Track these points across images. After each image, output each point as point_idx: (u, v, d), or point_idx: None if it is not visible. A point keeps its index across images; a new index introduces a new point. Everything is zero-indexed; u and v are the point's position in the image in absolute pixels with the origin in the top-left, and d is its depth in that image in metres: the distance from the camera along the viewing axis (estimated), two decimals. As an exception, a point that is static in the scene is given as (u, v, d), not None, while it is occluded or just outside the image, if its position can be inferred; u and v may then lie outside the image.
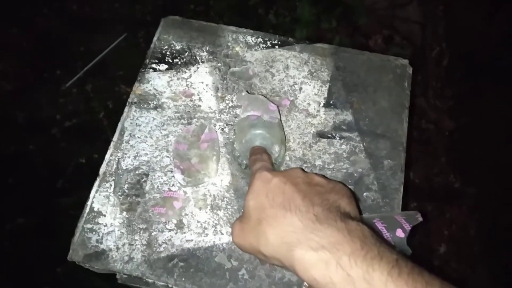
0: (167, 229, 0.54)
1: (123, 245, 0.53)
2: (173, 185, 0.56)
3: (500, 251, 1.34)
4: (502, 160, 1.44)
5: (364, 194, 0.57)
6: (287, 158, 0.58)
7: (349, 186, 0.57)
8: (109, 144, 0.59)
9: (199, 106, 0.62)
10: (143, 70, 0.64)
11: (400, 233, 0.50)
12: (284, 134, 0.57)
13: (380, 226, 0.51)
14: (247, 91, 0.60)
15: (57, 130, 1.45)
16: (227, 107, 0.62)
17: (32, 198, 1.35)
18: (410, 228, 0.50)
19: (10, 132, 1.44)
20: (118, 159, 0.58)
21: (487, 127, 1.50)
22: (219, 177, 0.57)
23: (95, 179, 0.57)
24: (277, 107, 0.58)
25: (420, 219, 0.50)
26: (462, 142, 1.51)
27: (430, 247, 1.36)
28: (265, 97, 0.59)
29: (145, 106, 0.61)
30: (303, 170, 0.46)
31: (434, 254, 1.36)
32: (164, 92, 0.62)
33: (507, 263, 1.31)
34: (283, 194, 0.40)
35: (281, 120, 0.58)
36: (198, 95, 0.62)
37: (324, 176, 0.46)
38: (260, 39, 0.67)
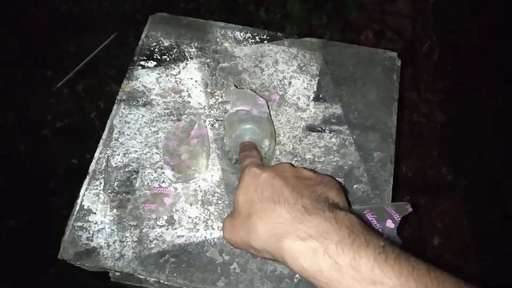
0: (158, 225, 0.54)
1: (114, 242, 0.53)
2: (163, 181, 0.56)
3: (491, 242, 1.35)
4: (492, 151, 1.45)
5: (354, 186, 0.57)
6: (277, 152, 0.58)
7: (339, 179, 0.57)
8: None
9: (189, 102, 0.61)
10: (131, 67, 0.63)
11: (390, 224, 0.51)
12: (274, 128, 0.57)
13: (370, 217, 0.51)
14: (235, 86, 0.60)
15: (48, 131, 1.44)
16: (217, 102, 0.62)
17: (24, 198, 1.33)
18: (400, 219, 0.50)
19: (0, 133, 1.43)
20: (108, 156, 0.57)
21: (478, 119, 1.52)
22: (209, 172, 0.57)
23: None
24: (266, 101, 0.58)
25: (410, 209, 0.51)
26: (453, 135, 1.52)
27: (424, 239, 1.37)
28: (254, 91, 0.59)
29: (134, 103, 0.61)
30: (292, 164, 0.46)
31: (427, 247, 1.36)
32: (153, 89, 0.62)
33: (498, 253, 1.32)
34: (272, 188, 0.40)
35: (270, 114, 0.58)
36: (187, 91, 0.62)
37: (313, 170, 0.46)
38: (248, 34, 0.66)
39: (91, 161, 0.58)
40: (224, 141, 0.56)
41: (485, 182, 1.43)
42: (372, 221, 0.51)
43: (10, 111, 1.46)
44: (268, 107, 0.58)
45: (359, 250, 0.32)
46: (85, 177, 0.57)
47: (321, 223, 0.35)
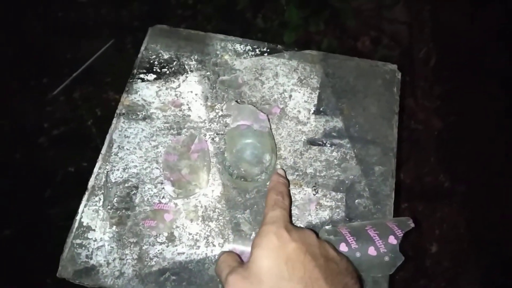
0: (158, 242, 0.53)
1: (114, 260, 0.52)
2: (163, 197, 0.56)
3: (489, 248, 1.35)
4: (490, 157, 1.46)
5: (356, 201, 0.57)
6: (278, 166, 0.58)
7: (341, 194, 0.57)
8: (98, 152, 0.58)
9: (189, 116, 0.61)
10: (131, 80, 0.63)
11: (392, 240, 0.50)
12: (275, 142, 0.57)
13: (372, 233, 0.51)
14: (236, 101, 0.60)
15: (44, 139, 1.43)
16: (217, 116, 0.61)
17: (19, 208, 1.32)
18: (402, 235, 0.50)
19: (-4, 141, 1.42)
20: (107, 172, 0.57)
21: (475, 125, 1.52)
22: (210, 187, 0.57)
23: (84, 188, 0.56)
24: (267, 116, 0.57)
25: (412, 225, 0.51)
26: (450, 141, 1.52)
27: (422, 247, 1.37)
28: (255, 106, 0.59)
29: (134, 117, 0.60)
30: (316, 234, 0.44)
31: (426, 254, 1.36)
32: (153, 102, 0.62)
33: (496, 259, 1.33)
34: (303, 268, 0.38)
35: (271, 129, 0.58)
36: (187, 104, 0.62)
37: (334, 248, 0.45)
38: (249, 47, 0.66)
39: (88, 169, 0.57)
40: (225, 155, 0.56)
41: (483, 188, 1.44)
42: (374, 237, 0.51)
43: (6, 119, 1.45)
44: (269, 122, 0.57)
45: None
46: (82, 186, 0.56)
47: None
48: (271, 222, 0.43)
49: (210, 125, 0.61)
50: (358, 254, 0.51)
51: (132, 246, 0.53)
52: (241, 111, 0.57)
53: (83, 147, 1.38)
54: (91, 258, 0.52)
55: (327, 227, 0.54)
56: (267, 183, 0.57)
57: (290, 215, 0.47)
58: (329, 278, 0.38)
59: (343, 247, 0.51)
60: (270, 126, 0.58)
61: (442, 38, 1.68)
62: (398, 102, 0.63)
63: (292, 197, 0.56)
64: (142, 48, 0.66)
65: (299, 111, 0.62)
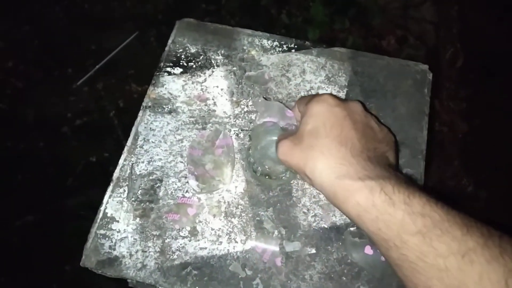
0: (181, 236, 0.53)
1: (136, 252, 0.52)
2: (187, 191, 0.56)
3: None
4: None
5: (382, 203, 0.55)
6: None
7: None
8: (119, 143, 0.59)
9: (214, 110, 0.61)
10: (157, 73, 0.63)
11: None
12: None
13: None
14: (264, 97, 0.59)
15: (67, 128, 1.45)
16: (242, 112, 0.61)
17: (41, 195, 1.35)
18: None
19: (20, 130, 1.44)
20: (132, 164, 0.57)
21: (501, 129, 1.48)
22: (233, 183, 0.56)
23: (105, 178, 0.56)
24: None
25: None
26: (475, 145, 1.49)
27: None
28: (282, 103, 0.58)
29: (160, 110, 0.60)
30: (363, 105, 0.46)
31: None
32: (179, 96, 0.61)
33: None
34: (341, 128, 0.41)
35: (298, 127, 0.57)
36: (213, 99, 0.61)
37: (378, 120, 0.47)
38: (276, 43, 0.65)
39: (109, 160, 0.58)
40: (250, 152, 0.55)
41: (506, 194, 1.40)
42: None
43: (30, 108, 1.48)
44: (296, 120, 0.57)
45: (413, 192, 0.35)
46: (103, 176, 0.57)
47: (381, 171, 0.38)
48: (311, 99, 0.45)
49: (235, 121, 0.60)
50: (383, 258, 0.50)
51: (155, 238, 0.53)
52: (268, 107, 0.56)
53: (105, 137, 1.39)
54: (114, 249, 0.52)
55: (352, 228, 0.53)
56: (291, 181, 0.56)
57: None
58: (363, 140, 0.41)
59: (368, 250, 0.50)
60: (298, 125, 0.57)
61: (469, 39, 1.63)
62: (428, 104, 0.61)
63: (317, 197, 0.55)
64: (170, 41, 0.65)
65: (326, 110, 0.61)
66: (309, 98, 0.46)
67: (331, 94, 0.45)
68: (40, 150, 1.42)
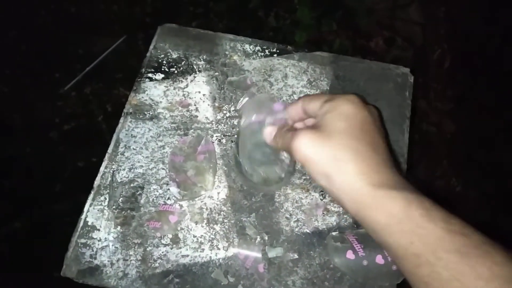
0: (163, 244, 0.53)
1: (118, 260, 0.52)
2: (168, 198, 0.55)
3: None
4: (503, 162, 1.43)
5: (364, 207, 0.55)
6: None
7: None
8: (107, 148, 0.58)
9: (196, 116, 0.60)
10: (138, 79, 0.62)
11: (379, 260, 0.49)
12: None
13: (355, 243, 0.50)
14: (247, 97, 0.57)
15: (55, 134, 1.44)
16: (225, 117, 0.60)
17: (29, 202, 1.33)
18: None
19: (7, 135, 1.43)
20: (113, 171, 0.56)
21: (489, 129, 1.49)
22: (216, 190, 0.56)
23: (92, 185, 0.56)
24: (284, 105, 0.51)
25: None
26: (463, 145, 1.50)
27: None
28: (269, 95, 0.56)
29: (141, 116, 0.60)
30: (378, 110, 0.45)
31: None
32: (160, 102, 0.61)
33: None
34: (373, 134, 0.40)
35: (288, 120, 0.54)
36: (195, 105, 0.61)
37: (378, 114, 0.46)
38: (258, 47, 0.65)
39: (97, 165, 0.57)
40: (239, 159, 0.52)
41: (495, 193, 1.41)
42: (357, 248, 0.49)
43: (17, 113, 1.46)
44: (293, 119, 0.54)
45: (450, 213, 0.34)
46: (91, 182, 0.56)
47: (409, 184, 0.37)
48: (343, 95, 0.43)
49: (217, 126, 0.60)
50: (365, 262, 0.50)
51: (136, 247, 0.53)
52: (254, 105, 0.51)
53: (93, 142, 1.38)
54: (95, 258, 0.52)
55: (334, 233, 0.53)
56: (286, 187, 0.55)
57: None
58: (386, 144, 0.41)
59: (349, 255, 0.51)
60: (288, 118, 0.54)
61: (457, 40, 1.65)
62: (410, 107, 0.62)
63: (299, 202, 0.55)
64: (151, 47, 0.65)
65: (308, 114, 0.61)
66: (329, 97, 0.43)
67: (357, 95, 0.43)
68: (27, 155, 1.41)
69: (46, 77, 1.52)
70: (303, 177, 0.57)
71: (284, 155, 0.51)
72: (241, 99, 0.54)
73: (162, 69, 0.63)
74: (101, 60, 1.53)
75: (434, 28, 1.66)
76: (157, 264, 0.52)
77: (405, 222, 0.34)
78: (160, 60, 0.64)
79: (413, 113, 0.62)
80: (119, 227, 0.53)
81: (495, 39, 1.58)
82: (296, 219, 0.54)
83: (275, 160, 0.51)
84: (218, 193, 0.56)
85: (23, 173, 1.38)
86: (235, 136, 0.59)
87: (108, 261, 0.52)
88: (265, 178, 0.51)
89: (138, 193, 0.55)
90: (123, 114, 0.60)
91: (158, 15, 1.55)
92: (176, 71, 0.63)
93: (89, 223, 0.54)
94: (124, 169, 0.57)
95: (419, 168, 1.44)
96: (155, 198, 0.55)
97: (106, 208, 0.54)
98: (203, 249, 0.53)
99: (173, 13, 1.57)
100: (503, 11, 1.60)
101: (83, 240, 0.53)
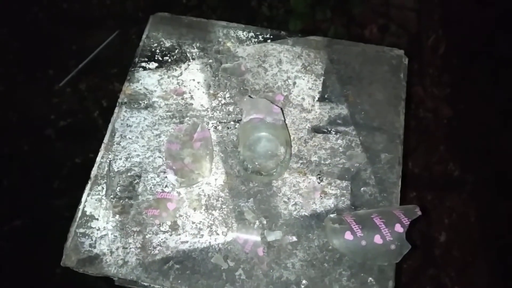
0: (162, 231, 0.53)
1: (117, 248, 0.52)
2: (166, 186, 0.55)
3: (499, 238, 1.33)
4: (500, 146, 1.43)
5: (362, 189, 0.56)
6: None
7: (346, 182, 0.56)
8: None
9: (191, 104, 0.60)
10: (132, 69, 0.62)
11: (398, 228, 0.49)
12: (289, 135, 0.56)
13: (378, 221, 0.50)
14: (249, 96, 0.59)
15: (51, 130, 1.43)
16: (220, 104, 0.60)
17: (28, 199, 1.33)
18: (408, 223, 0.49)
19: (3, 133, 1.42)
20: (110, 161, 0.56)
21: (485, 113, 1.49)
22: (213, 176, 0.56)
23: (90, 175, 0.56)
24: (281, 109, 0.56)
25: (419, 213, 0.50)
26: (460, 130, 1.50)
27: (431, 236, 1.35)
28: (258, 93, 0.58)
29: (136, 106, 0.60)
30: None
31: (435, 243, 1.35)
32: (155, 91, 0.61)
33: (506, 249, 1.31)
34: None
35: (285, 122, 0.56)
36: (189, 93, 0.61)
37: None
38: (251, 34, 0.65)
39: (94, 161, 0.57)
40: (239, 149, 0.55)
41: (493, 177, 1.41)
42: (380, 226, 0.50)
43: (13, 111, 1.45)
44: (283, 115, 0.56)
45: None
46: (88, 177, 0.56)
47: None
48: None
49: (212, 114, 0.60)
50: (364, 243, 0.50)
51: (135, 235, 0.53)
52: (254, 105, 0.56)
53: (90, 138, 1.38)
54: (94, 247, 0.52)
55: (332, 215, 0.54)
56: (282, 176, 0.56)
57: None
58: None
59: (348, 236, 0.51)
60: (284, 119, 0.57)
61: (451, 25, 1.64)
62: (405, 88, 0.62)
63: (297, 186, 0.55)
64: (144, 36, 0.65)
65: (303, 98, 0.61)
66: None
67: None
68: (24, 153, 1.40)
69: (41, 74, 1.51)
70: (300, 161, 0.57)
71: (281, 151, 0.55)
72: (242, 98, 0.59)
73: (156, 58, 0.63)
74: (95, 56, 1.53)
75: (428, 14, 1.66)
76: (156, 251, 0.52)
77: None
78: (153, 49, 0.64)
79: (409, 100, 0.62)
80: (117, 216, 0.54)
81: (489, 23, 1.58)
82: (294, 202, 0.55)
83: (272, 155, 0.56)
84: (216, 179, 0.56)
85: (21, 170, 1.38)
86: (231, 122, 0.59)
87: (107, 249, 0.52)
88: (259, 170, 0.54)
89: (136, 181, 0.55)
90: (117, 104, 0.60)
91: (151, 9, 1.54)
92: (169, 60, 0.63)
93: (87, 213, 0.54)
94: (120, 159, 0.57)
95: (417, 154, 1.44)
96: (152, 186, 0.55)
97: (104, 197, 0.54)
98: (202, 235, 0.53)
99: (166, 6, 1.56)
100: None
101: (82, 230, 0.53)
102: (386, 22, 1.60)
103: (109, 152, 0.57)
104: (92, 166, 0.58)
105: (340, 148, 0.58)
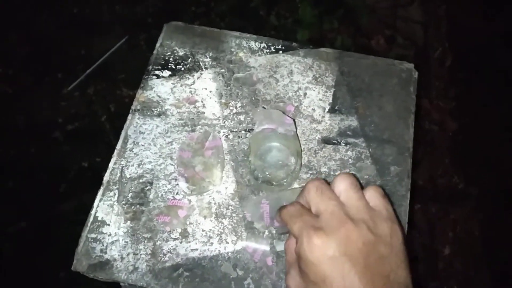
0: (172, 238, 0.53)
1: (128, 254, 0.52)
2: (177, 193, 0.56)
3: (503, 251, 1.33)
4: (504, 160, 1.43)
5: (371, 201, 0.56)
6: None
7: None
8: (111, 148, 0.59)
9: (203, 113, 0.61)
10: (146, 76, 0.63)
11: None
12: (300, 146, 0.57)
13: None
14: (263, 107, 0.60)
15: (59, 134, 1.44)
16: (231, 113, 0.61)
17: (34, 202, 1.34)
18: None
19: (11, 136, 1.44)
20: (122, 167, 0.57)
21: (490, 127, 1.50)
22: (223, 184, 0.57)
23: (98, 183, 0.57)
24: (294, 120, 0.57)
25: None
26: (465, 143, 1.50)
27: (435, 248, 1.35)
28: (269, 104, 0.58)
29: (149, 113, 0.61)
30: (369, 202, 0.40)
31: (438, 256, 1.35)
32: (168, 99, 0.62)
33: (510, 263, 1.31)
34: (343, 279, 0.34)
35: (296, 133, 0.57)
36: (201, 101, 0.62)
37: (389, 218, 0.40)
38: (263, 44, 0.66)
39: (101, 165, 0.58)
40: (249, 159, 0.55)
41: (497, 190, 1.41)
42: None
43: (21, 114, 1.47)
44: (296, 126, 0.57)
45: None
46: (95, 181, 0.57)
47: None
48: (299, 234, 0.37)
49: (224, 122, 0.60)
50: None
51: (146, 241, 0.53)
52: (267, 115, 0.56)
53: (97, 142, 1.39)
54: (105, 253, 0.53)
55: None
56: (292, 187, 0.56)
57: None
58: (368, 274, 0.35)
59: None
60: (296, 130, 0.57)
61: (458, 38, 1.65)
62: (414, 102, 0.62)
63: (306, 196, 0.56)
64: (158, 44, 0.66)
65: (313, 109, 0.61)
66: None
67: (316, 230, 0.36)
68: (31, 156, 1.42)
69: (49, 78, 1.53)
70: (310, 172, 0.57)
71: (292, 162, 0.56)
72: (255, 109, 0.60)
73: (169, 66, 0.64)
74: (103, 61, 1.54)
75: (435, 27, 1.67)
76: (166, 258, 0.52)
77: None
78: (166, 58, 0.65)
79: (416, 112, 0.62)
80: (128, 222, 0.54)
81: (496, 37, 1.59)
82: (303, 213, 0.55)
83: (282, 165, 0.56)
84: (226, 188, 0.56)
85: (27, 173, 1.39)
86: (242, 132, 0.60)
87: (118, 255, 0.52)
88: (269, 179, 0.55)
89: (147, 188, 0.56)
90: (131, 111, 0.61)
91: (160, 15, 1.56)
92: (182, 68, 0.64)
93: (99, 218, 0.54)
94: (133, 165, 0.57)
95: (421, 166, 1.44)
96: (164, 193, 0.56)
97: (115, 203, 0.55)
98: (212, 243, 0.53)
99: (175, 13, 1.58)
100: (503, 10, 1.61)
101: (93, 235, 0.53)
102: (393, 34, 1.61)
103: (122, 158, 0.58)
104: (98, 170, 0.58)
105: (350, 159, 0.58)
